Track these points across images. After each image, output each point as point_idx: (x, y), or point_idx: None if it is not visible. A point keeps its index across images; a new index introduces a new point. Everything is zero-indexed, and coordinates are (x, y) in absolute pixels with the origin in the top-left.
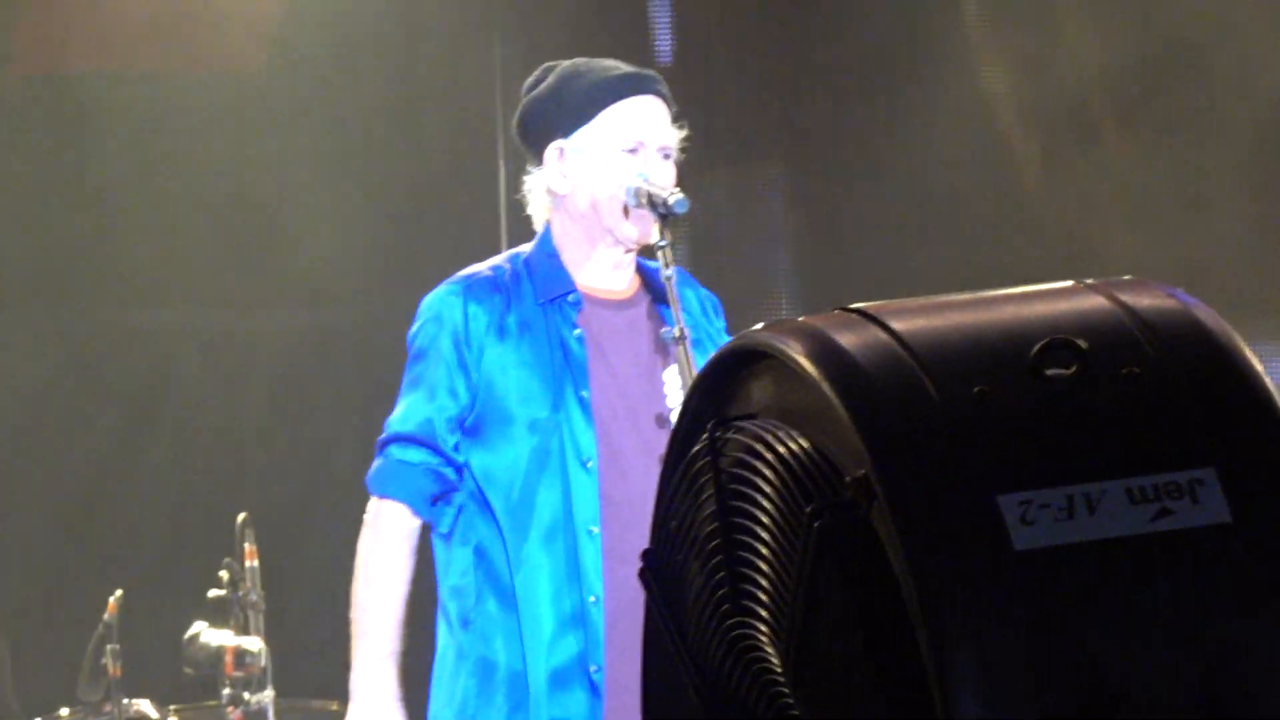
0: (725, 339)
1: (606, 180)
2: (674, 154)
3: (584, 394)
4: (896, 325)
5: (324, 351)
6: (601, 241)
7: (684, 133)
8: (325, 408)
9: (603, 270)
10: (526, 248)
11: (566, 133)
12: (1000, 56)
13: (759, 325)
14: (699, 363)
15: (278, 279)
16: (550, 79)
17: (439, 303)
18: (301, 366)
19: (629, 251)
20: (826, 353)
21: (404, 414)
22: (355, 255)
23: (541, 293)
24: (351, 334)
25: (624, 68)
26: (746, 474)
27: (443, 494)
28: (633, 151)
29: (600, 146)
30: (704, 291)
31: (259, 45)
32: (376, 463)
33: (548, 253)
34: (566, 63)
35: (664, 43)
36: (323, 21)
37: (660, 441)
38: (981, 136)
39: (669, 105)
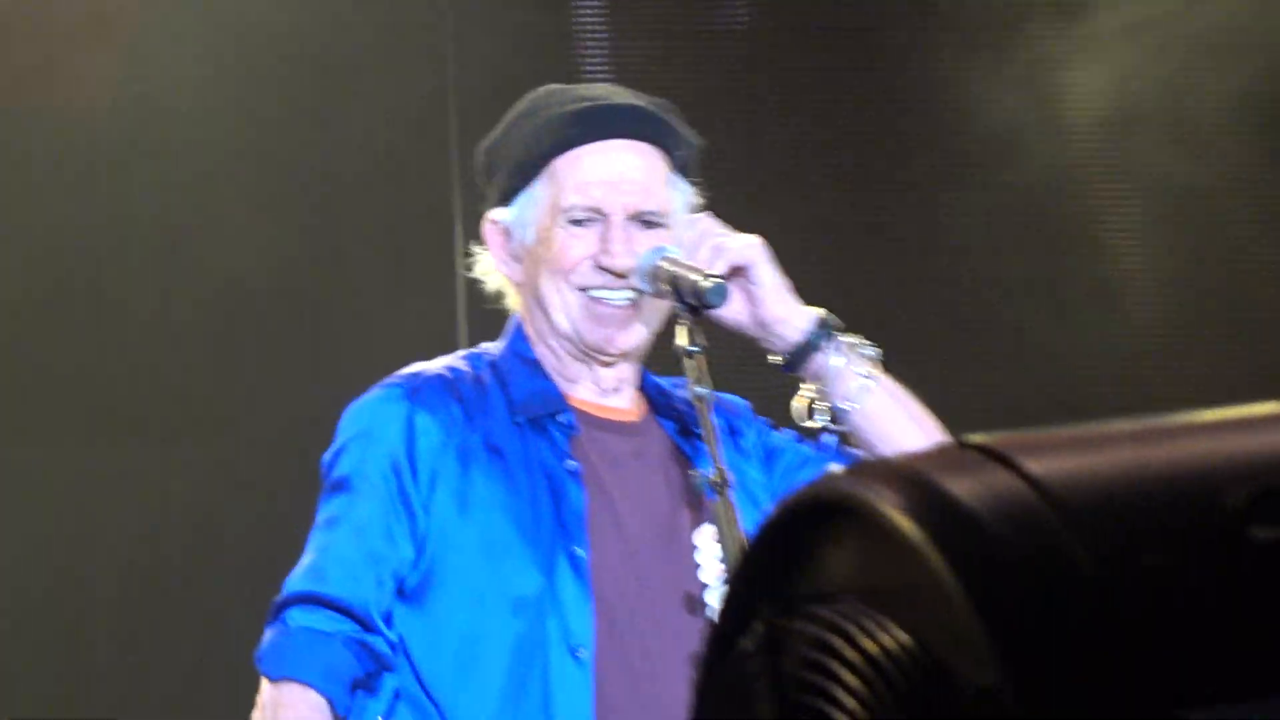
0: (779, 446)
1: (550, 269)
2: (666, 223)
3: (579, 553)
4: (1033, 467)
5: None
6: (568, 353)
7: (682, 193)
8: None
9: (595, 386)
10: (491, 347)
11: (506, 199)
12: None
13: (833, 464)
14: (746, 519)
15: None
16: (505, 119)
17: (371, 412)
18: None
19: (620, 362)
20: (934, 507)
21: (314, 566)
22: (241, 350)
23: (520, 407)
24: (240, 464)
25: (592, 97)
26: (819, 680)
27: (368, 678)
28: (579, 223)
29: (540, 219)
30: (728, 400)
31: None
32: (270, 633)
33: (522, 355)
34: (539, 91)
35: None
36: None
37: (688, 630)
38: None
39: (667, 148)
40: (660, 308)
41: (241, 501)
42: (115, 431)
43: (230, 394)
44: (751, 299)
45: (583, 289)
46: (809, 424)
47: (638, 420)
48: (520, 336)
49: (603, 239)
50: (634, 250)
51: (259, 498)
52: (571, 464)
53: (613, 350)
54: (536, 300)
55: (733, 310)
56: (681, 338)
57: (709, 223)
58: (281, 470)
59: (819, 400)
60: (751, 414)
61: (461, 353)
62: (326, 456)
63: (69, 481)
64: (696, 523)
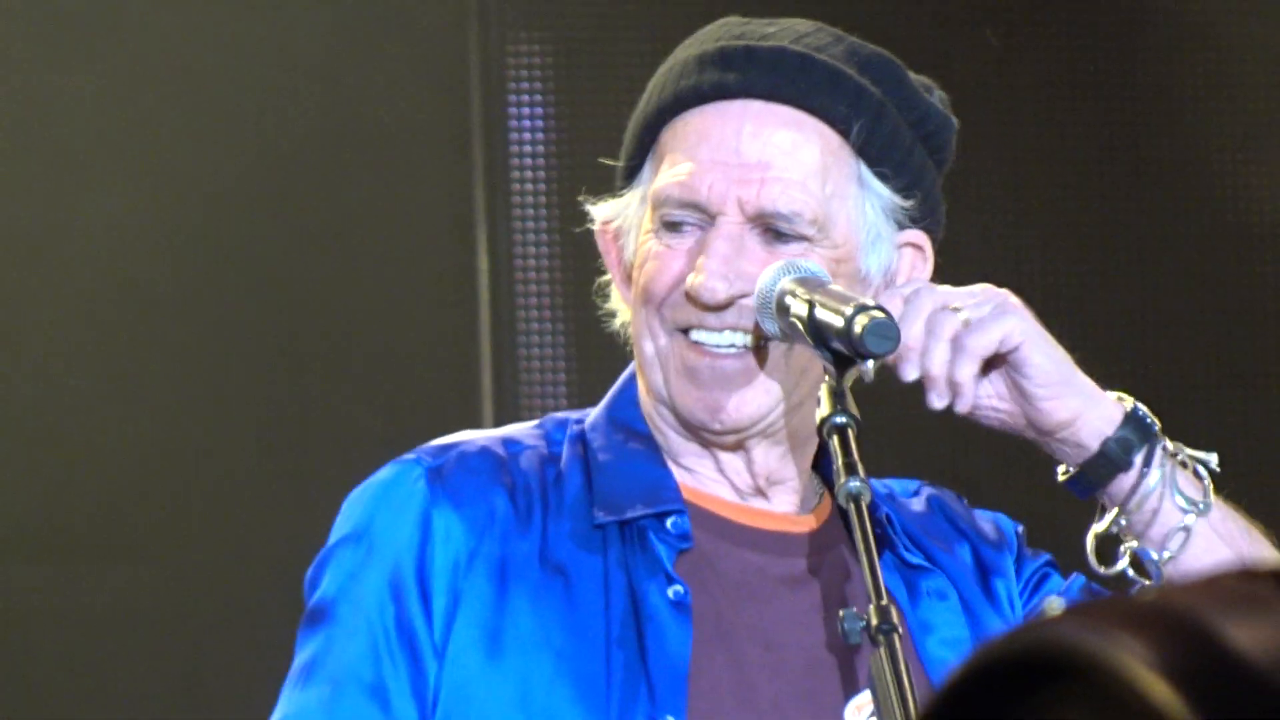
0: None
1: (641, 300)
2: (808, 230)
3: None
4: None
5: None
6: (672, 428)
7: (865, 199)
8: None
9: (724, 479)
10: (592, 413)
11: (620, 188)
12: None
13: (1051, 598)
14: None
15: None
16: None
17: (373, 501)
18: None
19: (753, 443)
20: (1204, 664)
21: None
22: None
23: (607, 501)
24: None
25: (738, 35)
26: None
27: None
28: (675, 228)
29: (639, 221)
30: (980, 517)
31: None
32: None
33: (626, 425)
34: (714, 24)
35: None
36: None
37: None
38: None
39: (839, 120)
40: (806, 360)
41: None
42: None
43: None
44: (1021, 393)
45: (683, 330)
46: (1103, 571)
47: (804, 531)
48: (628, 398)
49: (699, 249)
50: (743, 270)
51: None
52: (676, 590)
53: (716, 426)
54: (636, 347)
55: (993, 405)
56: (824, 404)
57: (927, 293)
58: (257, 589)
59: (1126, 536)
60: (1019, 543)
61: (554, 415)
62: (312, 567)
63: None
64: (851, 688)
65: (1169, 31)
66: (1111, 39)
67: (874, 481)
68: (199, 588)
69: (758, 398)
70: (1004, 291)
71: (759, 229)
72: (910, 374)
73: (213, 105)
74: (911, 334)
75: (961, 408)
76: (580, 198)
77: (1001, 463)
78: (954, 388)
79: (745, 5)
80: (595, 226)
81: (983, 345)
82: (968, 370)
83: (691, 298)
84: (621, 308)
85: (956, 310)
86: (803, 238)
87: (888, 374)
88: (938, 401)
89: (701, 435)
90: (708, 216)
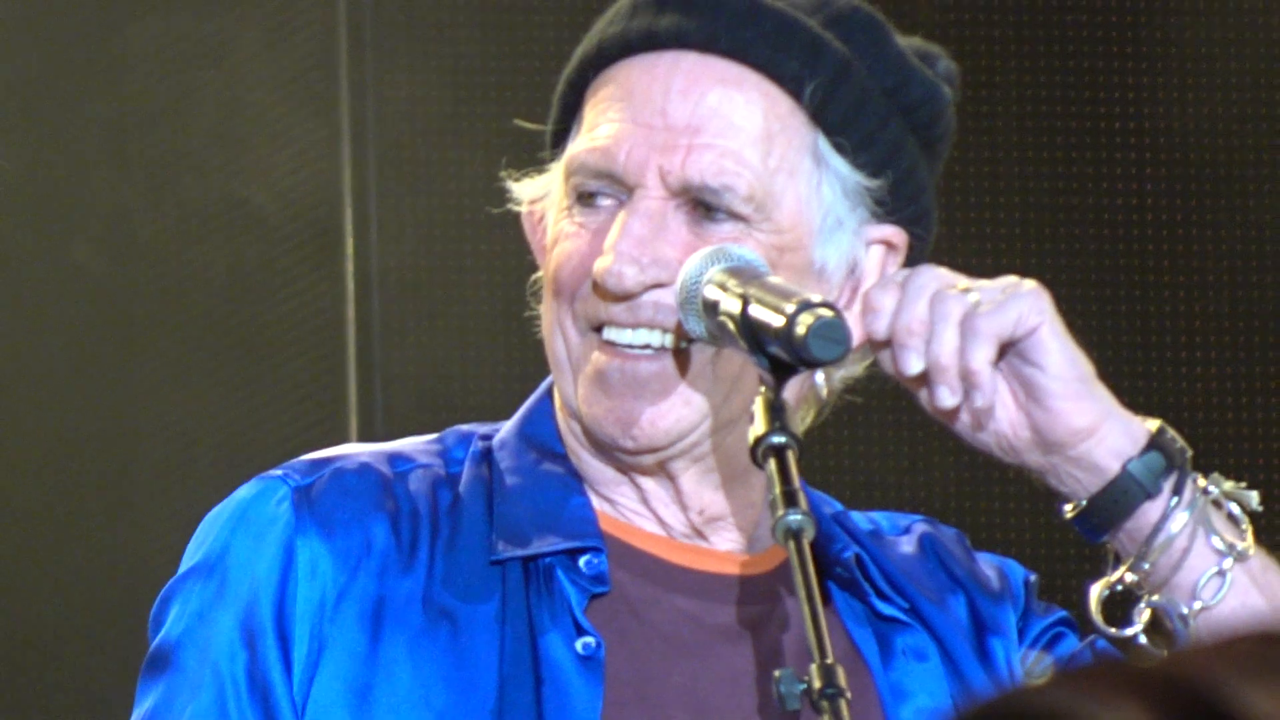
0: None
1: (549, 290)
2: (744, 208)
3: None
4: None
5: None
6: (585, 447)
7: (821, 174)
8: None
9: (648, 511)
10: (504, 426)
11: (548, 161)
12: None
13: (1033, 654)
14: None
15: None
16: None
17: (229, 526)
18: None
19: (679, 465)
20: None
21: None
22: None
23: (509, 533)
24: None
25: None
26: None
27: None
28: (589, 201)
29: (555, 194)
30: (994, 566)
31: None
32: None
33: (537, 441)
34: None
35: None
36: None
37: None
38: None
39: (789, 78)
40: (739, 367)
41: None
42: None
43: None
44: (1031, 393)
45: (595, 328)
46: (1113, 632)
47: (752, 574)
48: (544, 410)
49: (609, 228)
50: (662, 254)
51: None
52: (586, 642)
53: (628, 443)
54: (548, 347)
55: (991, 409)
56: (759, 421)
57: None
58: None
59: (1145, 588)
60: (1027, 595)
61: (440, 434)
62: (157, 602)
63: None
64: None
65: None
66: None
67: (857, 515)
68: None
69: (676, 409)
70: (1029, 282)
71: (685, 205)
72: (913, 365)
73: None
74: (914, 317)
75: (983, 401)
76: (503, 172)
77: (1015, 493)
78: (967, 379)
79: None
80: (521, 209)
81: (999, 325)
82: (983, 355)
83: (598, 286)
84: None
85: (966, 291)
86: (737, 217)
87: (879, 377)
88: (949, 398)
89: (614, 455)
90: (625, 189)
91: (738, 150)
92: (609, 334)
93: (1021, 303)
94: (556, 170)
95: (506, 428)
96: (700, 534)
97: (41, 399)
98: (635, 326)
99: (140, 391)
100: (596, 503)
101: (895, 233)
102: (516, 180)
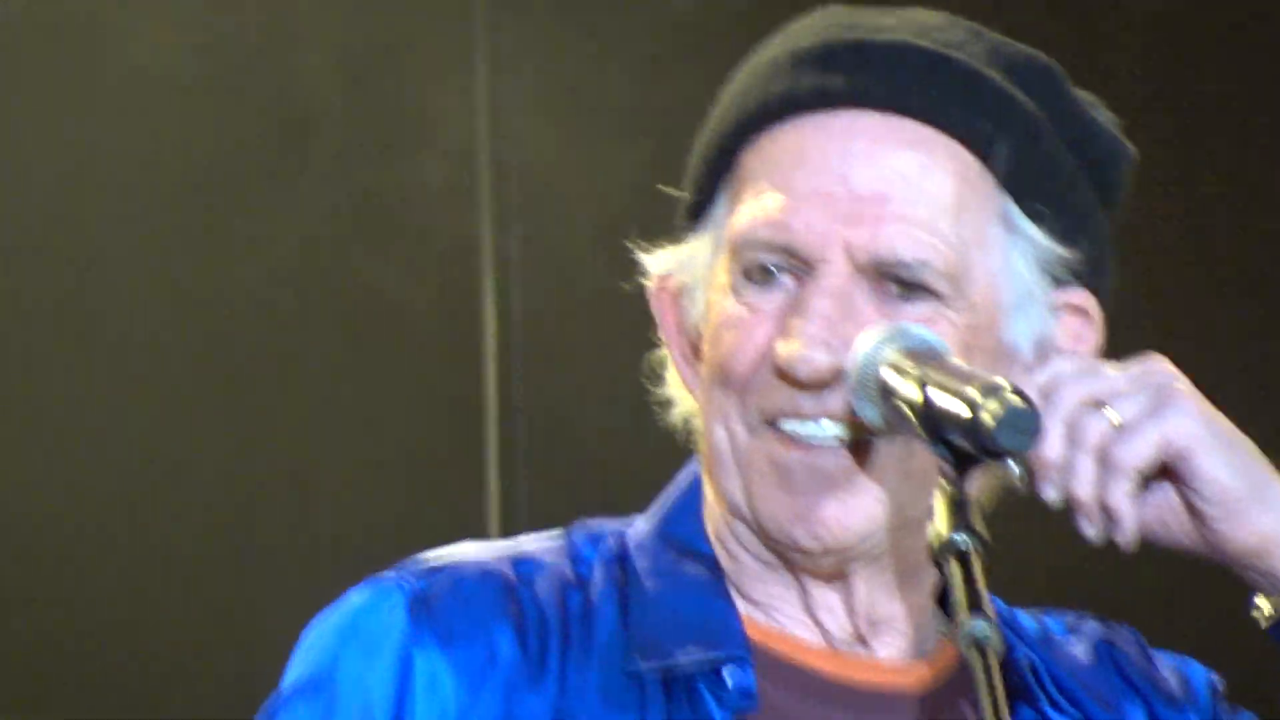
0: None
1: (714, 378)
2: (939, 284)
3: None
4: None
5: None
6: (749, 550)
7: (1013, 245)
8: None
9: (811, 620)
10: (638, 522)
11: (683, 230)
12: None
13: None
14: None
15: None
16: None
17: (338, 638)
18: None
19: (855, 567)
20: None
21: None
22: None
23: (648, 644)
24: None
25: (850, 25)
26: None
27: None
28: (762, 280)
29: (710, 271)
30: (1174, 669)
31: None
32: None
33: (681, 542)
34: (809, 17)
35: None
36: None
37: None
38: None
39: (980, 142)
40: (931, 463)
41: None
42: None
43: None
44: (1193, 513)
45: (770, 421)
46: None
47: (916, 686)
48: (688, 508)
49: (790, 309)
50: (853, 337)
51: None
52: None
53: (812, 544)
54: (706, 442)
55: (1162, 522)
56: (940, 518)
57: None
58: None
59: None
60: (1214, 700)
61: (564, 530)
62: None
63: None
64: None
65: None
66: None
67: (1022, 615)
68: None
69: (866, 507)
70: (1168, 371)
71: (873, 283)
72: (1051, 496)
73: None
74: (1050, 445)
75: (1123, 539)
76: (629, 241)
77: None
78: (1109, 514)
79: None
80: (649, 283)
81: (1139, 457)
82: (1121, 492)
83: (783, 373)
84: (683, 394)
85: (1104, 407)
86: (932, 295)
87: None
88: (1090, 531)
89: (791, 557)
90: (805, 265)
91: (931, 220)
92: (788, 425)
93: (1166, 423)
94: (702, 244)
95: (642, 525)
96: (863, 640)
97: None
98: (818, 417)
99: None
100: (744, 608)
101: (1087, 298)
102: (646, 252)
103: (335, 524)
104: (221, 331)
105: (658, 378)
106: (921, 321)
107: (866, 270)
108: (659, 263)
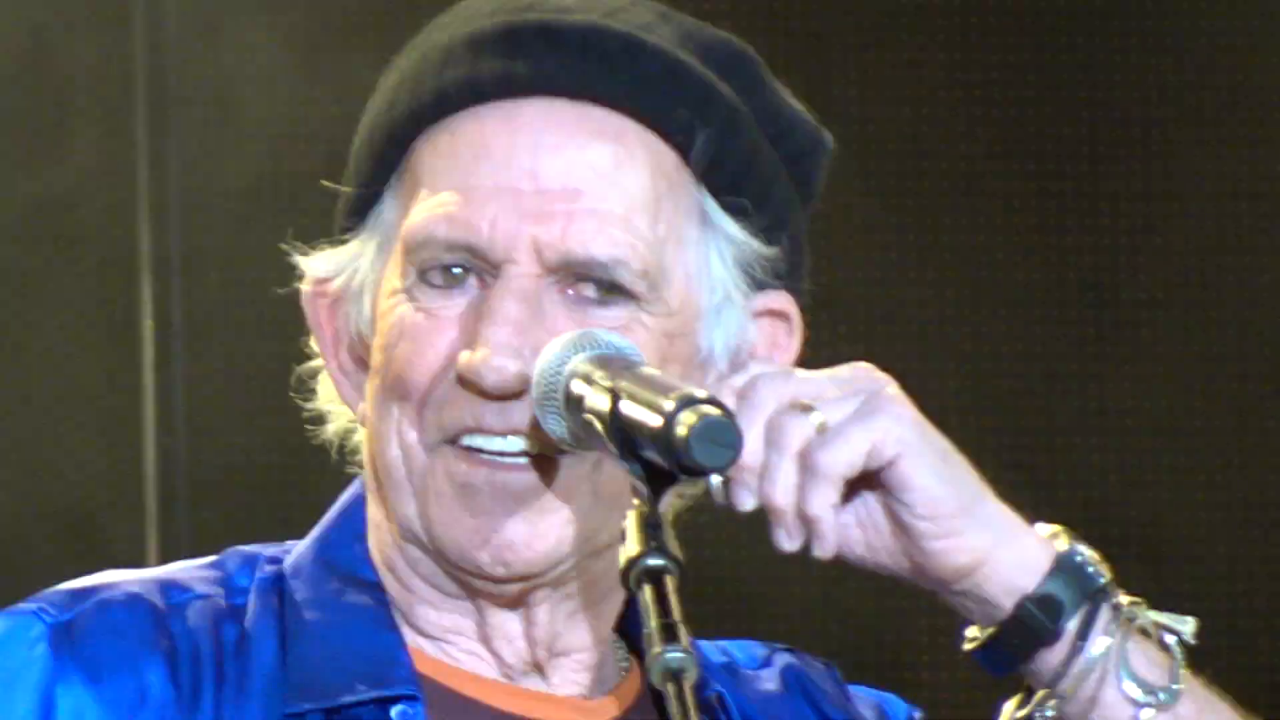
0: None
1: (385, 390)
2: (637, 285)
3: None
4: None
5: None
6: (423, 575)
7: (710, 242)
8: None
9: (487, 650)
10: (298, 547)
11: (341, 230)
12: None
13: None
14: None
15: None
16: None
17: None
18: None
19: (541, 592)
20: None
21: None
22: None
23: (307, 682)
24: None
25: (523, 5)
26: None
27: None
28: (442, 283)
29: (379, 275)
30: (872, 704)
31: None
32: None
33: (342, 568)
34: (458, 5)
35: None
36: None
37: None
38: None
39: (675, 130)
40: (623, 481)
41: None
42: None
43: None
44: (900, 529)
45: (452, 438)
46: None
47: (603, 708)
48: (350, 530)
49: (474, 314)
50: (543, 343)
51: None
52: None
53: (499, 570)
54: (370, 457)
55: (865, 542)
56: (631, 539)
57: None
58: None
59: None
60: None
61: (216, 557)
62: None
63: None
64: None
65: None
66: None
67: (706, 645)
68: None
69: (556, 529)
70: (880, 376)
71: (563, 284)
72: (746, 502)
73: None
74: (748, 448)
75: (822, 552)
76: (284, 245)
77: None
78: (808, 524)
79: None
80: (304, 287)
81: (843, 461)
82: (822, 500)
83: (468, 383)
84: (339, 408)
85: (808, 410)
86: (628, 296)
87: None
88: (786, 543)
89: (472, 583)
90: (490, 266)
91: (625, 216)
92: (472, 441)
93: (874, 428)
94: (367, 245)
95: (299, 550)
96: (540, 670)
97: None
98: (505, 433)
99: None
100: (412, 639)
101: (785, 300)
102: (304, 254)
103: None
104: None
105: (309, 391)
106: (616, 327)
107: (557, 270)
108: (316, 265)
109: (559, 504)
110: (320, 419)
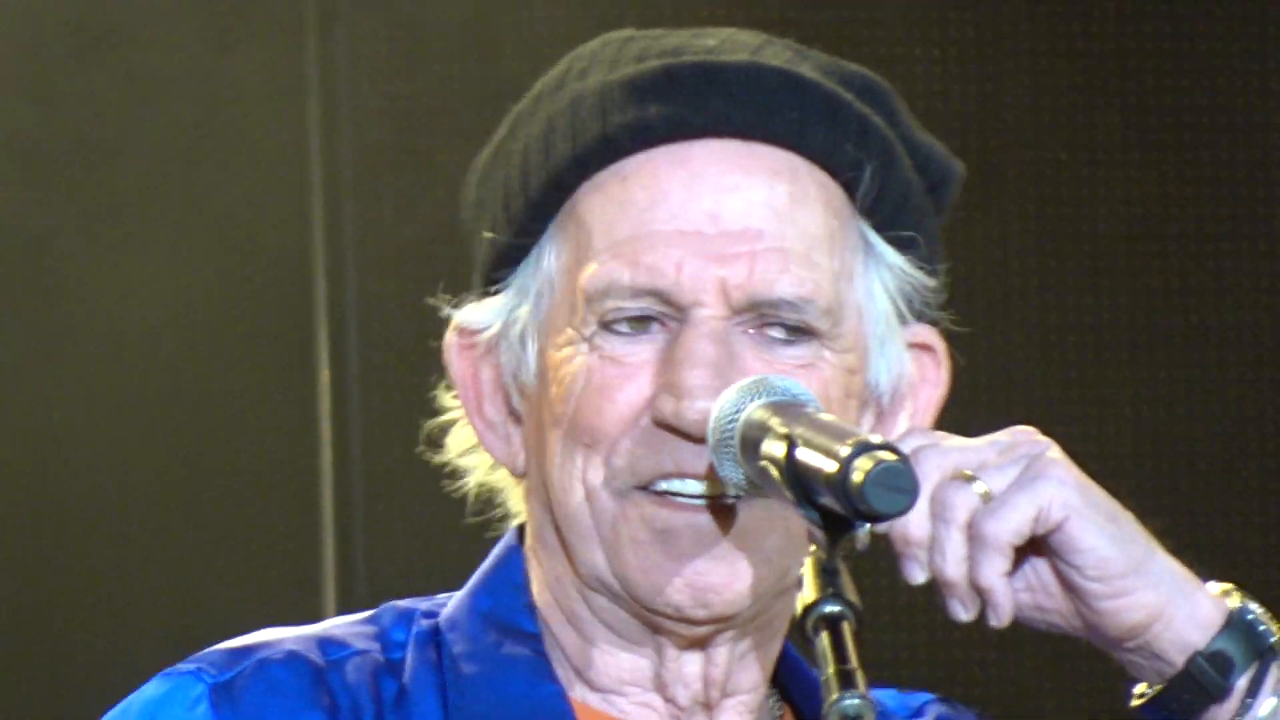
0: None
1: (567, 438)
2: (821, 323)
3: None
4: None
5: None
6: (609, 623)
7: (876, 276)
8: None
9: (659, 697)
10: (450, 603)
11: (488, 281)
12: None
13: None
14: None
15: None
16: (521, 102)
17: None
18: None
19: (724, 636)
20: None
21: None
22: None
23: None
24: None
25: (678, 48)
26: None
27: None
28: (628, 330)
29: (549, 323)
30: None
31: None
32: None
33: (504, 622)
34: (595, 42)
35: None
36: None
37: None
38: None
39: (844, 169)
40: (785, 517)
41: None
42: None
43: None
44: (1071, 590)
45: (643, 485)
46: None
47: None
48: (508, 581)
49: (667, 359)
50: (730, 382)
51: None
52: None
53: (700, 613)
54: (544, 506)
55: (1037, 604)
56: (808, 586)
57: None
58: None
59: None
60: None
61: (372, 612)
62: None
63: None
64: None
65: None
66: None
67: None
68: None
69: (753, 569)
70: (1039, 439)
71: (749, 325)
72: (916, 576)
73: None
74: (915, 521)
75: (998, 621)
76: (433, 299)
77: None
78: (981, 594)
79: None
80: (448, 338)
81: (1010, 530)
82: (993, 570)
83: (671, 428)
84: (479, 459)
85: (971, 479)
86: (812, 334)
87: (884, 550)
88: (962, 614)
89: (664, 625)
90: (675, 310)
91: (806, 254)
92: (669, 485)
93: (1039, 493)
94: (513, 296)
95: (455, 603)
96: (708, 710)
97: None
98: (702, 477)
99: None
100: (578, 692)
101: (930, 333)
102: (450, 305)
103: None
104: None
105: (436, 445)
106: (802, 365)
107: (744, 311)
108: (467, 317)
109: (754, 544)
110: (458, 473)
